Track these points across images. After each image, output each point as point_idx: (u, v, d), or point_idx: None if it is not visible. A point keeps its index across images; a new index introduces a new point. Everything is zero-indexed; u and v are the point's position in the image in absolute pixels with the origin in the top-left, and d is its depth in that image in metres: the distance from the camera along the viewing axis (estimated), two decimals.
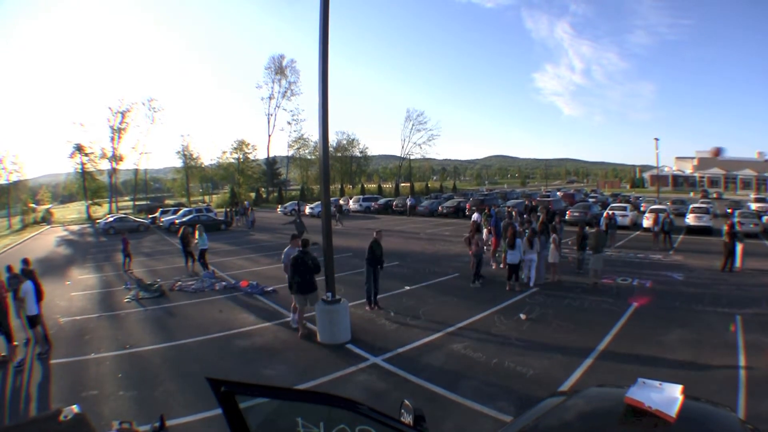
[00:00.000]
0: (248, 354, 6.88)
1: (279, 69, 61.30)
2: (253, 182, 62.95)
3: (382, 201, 40.59)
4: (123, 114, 51.33)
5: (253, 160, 63.63)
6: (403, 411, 2.18)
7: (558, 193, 43.65)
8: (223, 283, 11.74)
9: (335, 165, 65.43)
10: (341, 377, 5.88)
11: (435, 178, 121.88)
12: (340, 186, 65.85)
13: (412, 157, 73.79)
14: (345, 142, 70.63)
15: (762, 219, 21.67)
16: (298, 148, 65.55)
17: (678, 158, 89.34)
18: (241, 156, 61.85)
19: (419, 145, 69.87)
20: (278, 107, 62.22)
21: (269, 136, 62.66)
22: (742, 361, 6.25)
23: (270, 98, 61.59)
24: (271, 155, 65.63)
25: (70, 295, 11.32)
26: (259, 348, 7.13)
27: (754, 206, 33.00)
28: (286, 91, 61.91)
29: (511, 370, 5.98)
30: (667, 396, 2.18)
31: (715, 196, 55.05)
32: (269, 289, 10.81)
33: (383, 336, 7.47)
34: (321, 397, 1.57)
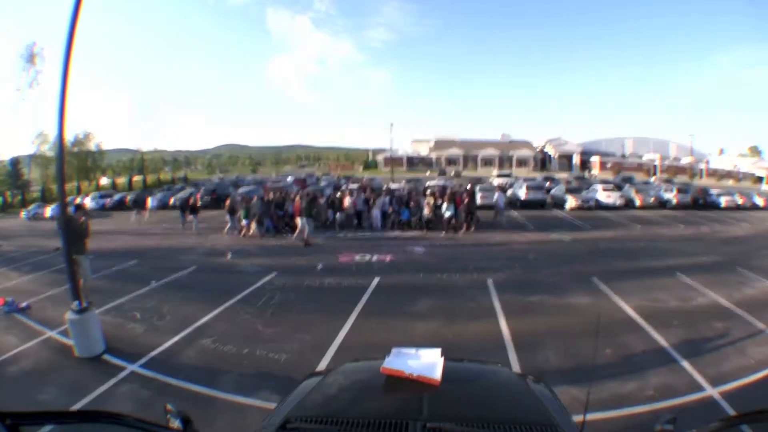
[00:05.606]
0: (18, 380, 6.16)
1: (31, 57, 48.90)
2: None
3: (117, 197, 35.53)
4: None
5: None
6: (169, 416, 2.11)
7: (289, 178, 46.01)
8: None
9: (72, 161, 57.54)
10: (107, 391, 5.71)
11: (168, 169, 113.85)
12: (76, 183, 56.23)
13: (144, 150, 72.23)
14: (82, 136, 63.00)
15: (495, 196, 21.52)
16: (40, 144, 53.87)
17: (415, 141, 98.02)
18: None
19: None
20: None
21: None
22: (502, 320, 6.88)
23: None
24: (15, 155, 55.11)
25: None
26: (28, 372, 6.41)
27: (496, 181, 37.07)
28: (32, 82, 49.36)
29: (264, 358, 6.32)
30: (427, 361, 2.17)
31: (452, 174, 61.97)
32: (24, 305, 9.34)
33: (134, 341, 7.39)
34: (89, 416, 1.67)
